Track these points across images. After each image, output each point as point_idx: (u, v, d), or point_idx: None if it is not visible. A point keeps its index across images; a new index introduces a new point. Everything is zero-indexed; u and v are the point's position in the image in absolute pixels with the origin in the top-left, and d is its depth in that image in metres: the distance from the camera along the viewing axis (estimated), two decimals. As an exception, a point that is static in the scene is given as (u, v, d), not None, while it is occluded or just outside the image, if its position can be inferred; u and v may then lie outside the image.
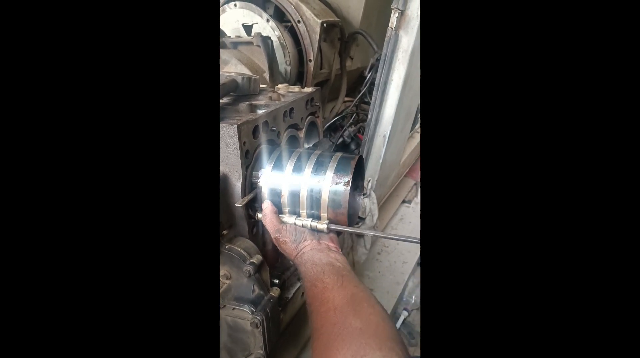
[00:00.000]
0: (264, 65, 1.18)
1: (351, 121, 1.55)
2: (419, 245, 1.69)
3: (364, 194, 0.86)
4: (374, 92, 1.12)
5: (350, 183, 0.70)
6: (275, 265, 0.98)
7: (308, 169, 0.73)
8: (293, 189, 0.73)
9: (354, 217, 0.78)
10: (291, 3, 1.29)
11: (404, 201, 2.04)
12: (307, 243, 0.72)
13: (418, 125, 1.80)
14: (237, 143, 0.68)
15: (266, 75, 1.20)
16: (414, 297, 1.70)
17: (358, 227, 1.08)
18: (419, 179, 2.19)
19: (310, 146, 1.10)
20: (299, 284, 0.98)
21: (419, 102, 1.68)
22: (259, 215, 0.77)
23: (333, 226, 0.73)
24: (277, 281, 0.81)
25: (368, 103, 1.71)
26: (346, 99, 1.65)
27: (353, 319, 0.55)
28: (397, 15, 1.00)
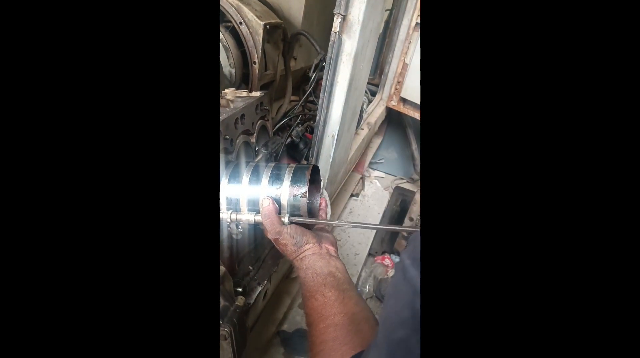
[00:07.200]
0: (208, 68, 1.16)
1: (298, 120, 1.57)
2: (370, 238, 1.75)
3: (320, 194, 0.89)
4: (321, 94, 1.14)
5: (307, 194, 0.72)
6: (234, 272, 0.98)
7: (265, 180, 0.74)
8: (251, 198, 0.74)
9: (314, 211, 0.78)
10: (232, 4, 1.27)
11: (352, 195, 2.12)
12: (308, 246, 0.71)
13: (362, 122, 1.87)
14: (192, 155, 0.67)
15: (211, 79, 1.17)
16: (367, 287, 1.79)
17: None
18: (365, 173, 2.28)
19: (261, 146, 1.10)
20: (259, 288, 0.99)
21: (363, 100, 1.75)
22: (257, 218, 0.73)
23: (294, 219, 0.73)
24: (240, 290, 0.81)
25: (313, 102, 1.74)
26: (292, 98, 1.66)
27: (354, 337, 0.57)
28: (339, 20, 1.03)
